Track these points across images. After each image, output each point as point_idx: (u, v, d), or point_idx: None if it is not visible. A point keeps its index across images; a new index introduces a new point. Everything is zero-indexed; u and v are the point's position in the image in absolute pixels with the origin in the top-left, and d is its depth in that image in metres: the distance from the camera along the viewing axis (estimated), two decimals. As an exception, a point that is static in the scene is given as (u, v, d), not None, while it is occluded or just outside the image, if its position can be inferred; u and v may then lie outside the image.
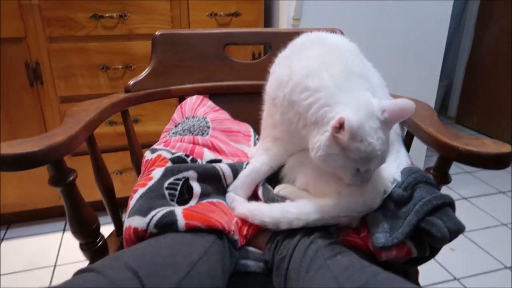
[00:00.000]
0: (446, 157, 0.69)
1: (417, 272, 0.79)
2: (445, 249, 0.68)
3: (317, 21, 1.62)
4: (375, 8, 1.69)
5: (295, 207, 0.70)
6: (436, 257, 0.69)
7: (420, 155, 2.05)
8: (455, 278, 1.53)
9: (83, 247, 0.74)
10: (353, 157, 0.62)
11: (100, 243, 0.75)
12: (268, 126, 0.83)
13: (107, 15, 1.49)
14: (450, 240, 0.64)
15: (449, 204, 0.66)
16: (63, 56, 1.50)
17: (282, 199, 0.75)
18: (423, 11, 1.75)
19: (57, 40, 1.49)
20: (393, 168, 0.74)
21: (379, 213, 0.70)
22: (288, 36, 0.80)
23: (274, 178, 0.81)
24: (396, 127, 0.80)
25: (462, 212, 0.65)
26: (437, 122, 0.74)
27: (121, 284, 0.47)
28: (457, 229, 0.63)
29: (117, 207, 0.86)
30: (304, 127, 0.69)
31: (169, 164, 0.75)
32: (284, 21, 1.66)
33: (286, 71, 0.73)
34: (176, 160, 0.76)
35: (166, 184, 0.71)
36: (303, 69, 0.69)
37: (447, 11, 1.79)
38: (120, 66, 1.57)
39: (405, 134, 0.84)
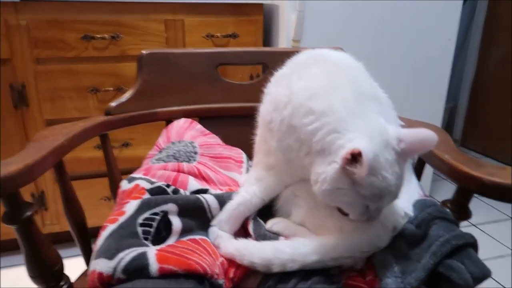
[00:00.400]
0: (467, 188, 0.60)
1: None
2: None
3: (318, 42, 1.56)
4: (378, 30, 1.63)
5: (289, 247, 0.60)
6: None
7: (426, 180, 1.94)
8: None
9: (43, 292, 0.63)
10: (364, 193, 0.54)
11: (65, 287, 0.64)
12: (261, 152, 0.74)
13: (98, 36, 1.43)
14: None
15: (472, 244, 0.57)
16: (51, 78, 1.44)
17: (275, 236, 0.65)
18: (429, 32, 1.70)
19: (45, 61, 1.43)
20: (404, 201, 0.64)
21: (388, 253, 0.60)
22: (286, 55, 0.72)
23: (267, 211, 0.72)
24: None
25: None
26: (454, 148, 0.65)
27: None
28: (482, 275, 0.54)
29: (89, 242, 0.76)
30: (307, 156, 0.60)
31: (146, 195, 0.66)
32: (283, 43, 1.61)
33: (284, 91, 0.65)
34: (155, 191, 0.67)
35: (140, 220, 0.61)
36: (306, 90, 0.61)
37: (453, 33, 1.74)
38: (111, 88, 1.50)
39: (415, 161, 0.75)
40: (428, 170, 1.89)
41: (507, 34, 2.62)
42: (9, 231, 1.60)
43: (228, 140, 0.91)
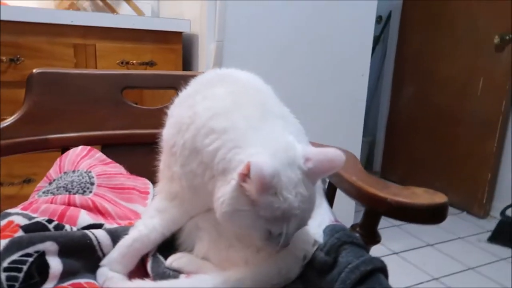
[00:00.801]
0: (374, 211, 0.58)
1: None
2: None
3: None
4: (297, 62, 1.67)
5: (189, 284, 0.53)
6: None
7: (349, 211, 1.97)
8: None
9: None
10: (263, 215, 0.49)
11: None
12: (164, 179, 0.68)
13: (-6, 58, 1.29)
14: (386, 316, 0.51)
15: (381, 269, 0.54)
16: None
17: (176, 273, 0.58)
18: (343, 68, 1.78)
19: None
20: (315, 227, 0.61)
21: (298, 284, 0.55)
22: (197, 79, 0.67)
23: (170, 245, 0.64)
24: None
25: (394, 268, 0.54)
26: (361, 170, 0.64)
27: None
28: (392, 303, 0.51)
29: None
30: (211, 179, 0.55)
31: (20, 233, 0.55)
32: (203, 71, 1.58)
33: (187, 112, 0.60)
34: (32, 228, 0.57)
35: (5, 264, 0.50)
36: (209, 110, 0.57)
37: (365, 69, 1.84)
38: (10, 117, 1.34)
39: (326, 186, 0.73)
40: (351, 202, 1.93)
41: (414, 75, 2.87)
42: None
43: (135, 169, 0.83)
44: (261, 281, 0.54)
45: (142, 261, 0.62)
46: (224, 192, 0.51)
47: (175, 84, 0.90)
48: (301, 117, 0.75)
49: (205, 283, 0.53)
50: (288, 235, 0.52)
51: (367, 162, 3.30)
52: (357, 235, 0.59)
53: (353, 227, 0.63)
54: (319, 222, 0.62)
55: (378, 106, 3.21)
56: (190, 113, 0.59)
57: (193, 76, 0.69)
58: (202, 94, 0.62)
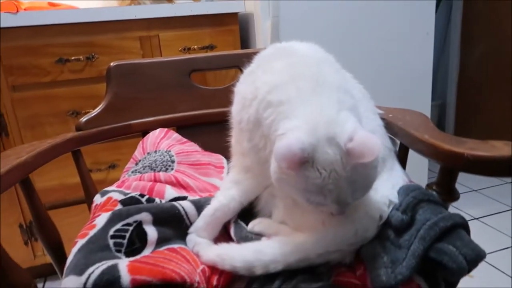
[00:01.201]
0: (450, 168, 0.57)
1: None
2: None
3: (295, 46, 1.55)
4: (356, 29, 1.62)
5: (271, 247, 0.56)
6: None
7: (422, 172, 1.89)
8: (478, 309, 1.36)
9: (17, 319, 0.59)
10: (300, 187, 0.51)
11: (39, 312, 0.60)
12: (236, 153, 0.72)
13: (73, 58, 1.41)
14: (469, 271, 0.51)
15: (462, 225, 0.53)
16: (28, 105, 1.41)
17: (258, 237, 0.62)
18: (406, 28, 1.69)
19: (20, 88, 1.40)
20: (388, 188, 0.62)
21: (376, 244, 0.57)
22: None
23: (249, 213, 0.68)
24: (387, 141, 0.68)
25: (476, 234, 0.52)
26: (434, 128, 0.63)
27: None
28: (476, 257, 0.51)
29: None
30: (271, 152, 0.57)
31: (119, 207, 0.62)
32: (261, 50, 1.59)
33: (250, 88, 0.63)
34: (128, 202, 0.64)
35: (111, 232, 0.58)
36: (267, 84, 0.59)
37: (430, 27, 1.73)
38: (91, 110, 1.47)
39: (398, 149, 0.72)
40: (423, 164, 1.86)
41: (484, 32, 2.64)
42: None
43: (208, 147, 0.88)
44: (339, 241, 0.56)
45: (225, 228, 0.67)
46: (272, 161, 0.53)
47: (238, 63, 0.93)
48: (365, 82, 0.75)
49: (286, 244, 0.56)
50: (335, 207, 0.52)
51: (439, 127, 3.13)
52: (434, 193, 0.59)
53: (429, 186, 0.63)
54: (392, 184, 0.63)
55: (447, 67, 3.00)
56: (252, 88, 0.62)
57: (254, 53, 0.71)
58: (262, 69, 0.64)
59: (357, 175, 0.50)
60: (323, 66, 0.63)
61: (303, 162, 0.48)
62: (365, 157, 0.48)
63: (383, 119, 0.71)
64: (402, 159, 0.71)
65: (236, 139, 0.70)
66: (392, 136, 0.71)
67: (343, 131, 0.50)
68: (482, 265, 0.49)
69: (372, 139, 0.48)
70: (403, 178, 0.65)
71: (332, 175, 0.49)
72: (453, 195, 0.59)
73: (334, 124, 0.51)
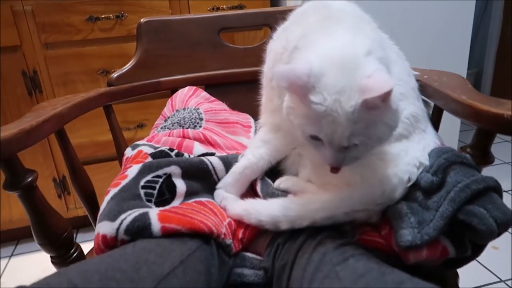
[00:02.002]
0: (487, 129, 0.55)
1: (456, 276, 0.64)
2: (486, 248, 0.55)
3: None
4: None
5: (297, 203, 0.57)
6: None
7: (453, 135, 1.82)
8: (500, 280, 1.34)
9: (54, 260, 0.63)
10: (304, 113, 0.49)
11: (75, 254, 0.64)
12: (267, 112, 0.71)
13: (103, 16, 1.42)
14: (499, 234, 0.50)
15: (494, 188, 0.52)
16: (61, 63, 1.44)
17: (284, 193, 0.62)
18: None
19: (53, 46, 1.43)
20: (418, 150, 0.60)
21: (403, 204, 0.56)
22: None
23: (275, 171, 0.69)
24: (420, 104, 0.66)
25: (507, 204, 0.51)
26: (472, 89, 0.60)
27: (54, 307, 0.36)
28: (506, 220, 0.49)
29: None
30: None
31: (149, 159, 0.64)
32: (292, 11, 1.55)
33: (282, 42, 0.61)
34: (158, 155, 0.65)
35: (142, 183, 0.60)
36: (298, 35, 0.57)
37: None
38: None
39: (431, 111, 0.70)
40: (454, 126, 1.79)
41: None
42: (18, 220, 1.60)
43: (236, 106, 0.88)
44: (366, 200, 0.56)
45: (252, 185, 0.68)
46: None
47: (269, 21, 0.91)
48: (400, 44, 0.72)
49: (313, 201, 0.56)
50: (329, 150, 0.50)
51: (472, 97, 3.01)
52: (467, 155, 0.57)
53: (462, 148, 0.61)
54: (424, 146, 0.61)
55: (487, 33, 2.84)
56: (284, 42, 0.61)
57: (287, 11, 0.69)
58: (296, 24, 0.62)
59: (361, 117, 0.47)
60: (357, 20, 0.61)
61: (309, 87, 0.47)
62: (372, 92, 0.45)
63: (418, 80, 0.69)
64: (435, 122, 0.69)
65: (267, 97, 0.70)
66: (426, 99, 0.69)
67: (364, 68, 0.48)
68: (507, 238, 0.48)
69: (388, 79, 0.46)
70: (434, 141, 0.63)
71: (335, 105, 0.46)
72: (487, 158, 0.58)
73: (357, 61, 0.48)
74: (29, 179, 0.56)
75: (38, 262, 1.55)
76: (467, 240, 0.53)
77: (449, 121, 0.64)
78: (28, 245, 1.67)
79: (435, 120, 0.69)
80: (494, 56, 2.81)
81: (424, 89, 0.67)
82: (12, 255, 1.63)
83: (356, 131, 0.48)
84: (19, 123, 0.56)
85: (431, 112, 0.70)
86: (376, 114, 0.47)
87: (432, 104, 0.69)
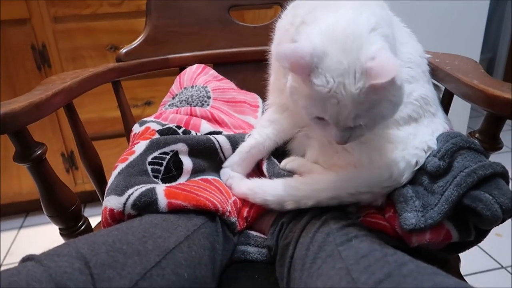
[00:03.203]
0: (497, 114, 0.54)
1: (458, 261, 0.64)
2: (489, 234, 0.55)
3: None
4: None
5: (303, 183, 0.57)
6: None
7: (462, 121, 1.80)
8: (502, 267, 1.35)
9: (63, 232, 0.65)
10: (307, 93, 0.49)
11: (83, 227, 0.65)
12: (274, 92, 0.71)
13: (112, -10, 1.40)
14: (503, 220, 0.50)
15: (501, 174, 0.52)
16: (70, 37, 1.43)
17: (290, 174, 0.63)
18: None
19: (62, 20, 1.42)
20: (427, 134, 0.60)
21: (408, 188, 0.57)
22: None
23: (281, 151, 0.69)
24: (431, 88, 0.65)
25: None
26: (484, 74, 0.59)
27: (63, 276, 0.37)
28: (512, 207, 0.49)
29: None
30: None
31: (156, 136, 0.64)
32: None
33: (290, 19, 0.60)
34: (165, 132, 0.66)
35: (149, 159, 0.60)
36: (307, 9, 0.56)
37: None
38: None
39: (441, 94, 0.69)
40: (464, 110, 1.77)
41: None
42: (28, 193, 1.63)
43: (243, 85, 0.87)
44: (371, 183, 0.56)
45: (258, 165, 0.68)
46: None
47: (280, 0, 0.89)
48: (412, 26, 0.70)
49: (318, 181, 0.57)
50: (334, 130, 0.50)
51: (484, 83, 2.96)
52: (476, 141, 0.57)
53: (470, 133, 0.60)
54: (432, 130, 0.61)
55: (502, 19, 2.77)
56: (291, 18, 0.60)
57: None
58: (305, 1, 0.61)
59: (366, 98, 0.46)
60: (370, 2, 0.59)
61: (311, 68, 0.46)
62: (379, 78, 0.44)
63: (429, 64, 0.68)
64: (445, 106, 0.68)
65: (275, 76, 0.69)
66: (437, 82, 0.68)
67: (368, 48, 0.46)
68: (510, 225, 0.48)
69: (393, 61, 0.45)
70: (444, 125, 0.63)
71: (339, 88, 0.46)
72: (496, 144, 0.57)
73: (360, 39, 0.47)
74: (39, 152, 0.57)
75: (47, 234, 1.59)
76: (471, 225, 0.53)
77: (460, 106, 0.63)
78: (37, 218, 1.71)
79: (445, 105, 0.68)
80: (508, 42, 2.74)
81: (435, 72, 0.66)
82: (21, 226, 1.66)
83: (362, 112, 0.48)
84: (29, 95, 0.57)
85: (441, 96, 0.69)
86: (381, 93, 0.47)
87: (442, 88, 0.68)
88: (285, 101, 0.66)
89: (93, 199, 1.66)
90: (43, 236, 1.58)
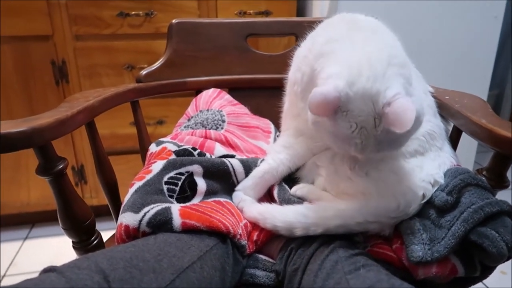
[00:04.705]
0: (504, 154, 0.56)
1: (463, 296, 0.65)
2: (494, 272, 0.56)
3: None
4: (419, 9, 1.55)
5: (312, 210, 0.59)
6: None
7: (469, 156, 1.81)
8: (506, 307, 1.34)
9: (76, 245, 0.66)
10: (331, 131, 0.53)
11: (96, 241, 0.67)
12: (289, 116, 0.73)
13: (133, 13, 1.46)
14: (509, 258, 0.51)
15: (507, 212, 0.53)
16: (89, 55, 1.48)
17: (300, 200, 0.64)
18: (473, 9, 1.59)
19: (83, 38, 1.47)
20: (434, 167, 0.62)
21: (416, 220, 0.58)
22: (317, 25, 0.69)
23: (292, 178, 0.71)
24: (438, 121, 0.67)
25: None
26: (492, 114, 0.61)
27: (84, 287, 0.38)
28: (518, 244, 0.50)
29: (119, 200, 0.78)
30: None
31: (173, 156, 0.67)
32: (317, 21, 1.57)
33: (308, 46, 0.64)
34: (181, 153, 0.68)
35: (165, 178, 0.62)
36: (324, 37, 0.60)
37: (500, 10, 1.62)
38: (145, 65, 1.50)
39: (450, 129, 0.71)
40: (471, 146, 1.78)
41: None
42: (34, 204, 1.65)
43: (257, 111, 0.90)
44: (379, 212, 0.57)
45: (269, 190, 0.70)
46: None
47: (295, 30, 0.94)
48: (421, 61, 0.73)
49: (327, 209, 0.58)
50: (360, 156, 0.55)
51: (491, 118, 2.97)
52: (483, 178, 0.58)
53: (478, 171, 0.62)
54: (439, 163, 0.62)
55: (510, 56, 2.81)
56: (310, 45, 0.63)
57: (315, 22, 0.71)
58: (323, 31, 0.65)
59: (386, 137, 0.51)
60: (385, 36, 0.61)
61: (336, 110, 0.50)
62: (396, 127, 0.48)
63: (438, 100, 0.70)
64: (454, 142, 0.70)
65: (290, 102, 0.72)
66: (445, 117, 0.70)
67: (386, 91, 0.49)
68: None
69: (409, 110, 0.47)
70: (450, 160, 0.65)
71: (362, 131, 0.50)
72: (503, 182, 0.59)
73: (377, 80, 0.50)
74: (60, 166, 0.59)
75: (51, 247, 1.60)
76: (477, 261, 0.54)
77: (467, 141, 0.65)
78: (42, 230, 1.72)
79: (454, 140, 0.70)
80: (516, 79, 2.78)
81: (445, 109, 0.69)
82: (26, 237, 1.67)
83: (383, 146, 0.52)
84: (55, 112, 0.59)
85: (450, 128, 0.71)
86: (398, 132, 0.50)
87: (451, 122, 0.70)
88: (301, 126, 0.68)
89: (100, 213, 1.67)
90: (47, 249, 1.58)
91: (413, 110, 0.47)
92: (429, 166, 0.61)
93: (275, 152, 0.70)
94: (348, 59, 0.53)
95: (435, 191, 0.59)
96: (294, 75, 0.66)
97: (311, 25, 0.70)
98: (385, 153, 0.55)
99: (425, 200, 0.59)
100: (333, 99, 0.48)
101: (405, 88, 0.51)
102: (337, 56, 0.55)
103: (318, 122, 0.54)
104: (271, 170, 0.68)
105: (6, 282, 1.41)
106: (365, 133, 0.50)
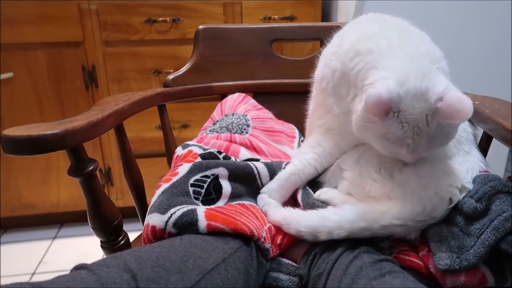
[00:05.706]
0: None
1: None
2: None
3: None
4: (442, 12, 1.51)
5: (336, 214, 0.58)
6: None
7: (500, 163, 1.75)
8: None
9: (104, 245, 0.68)
10: (382, 133, 0.53)
11: (123, 241, 0.68)
12: (315, 117, 0.72)
13: (160, 19, 1.49)
14: (542, 268, 0.49)
15: (540, 221, 0.51)
16: (118, 60, 1.53)
17: (323, 204, 0.64)
18: (486, 11, 1.54)
19: (112, 44, 1.52)
20: (462, 172, 0.60)
21: (443, 227, 0.57)
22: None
23: (315, 184, 0.70)
24: (465, 124, 0.66)
25: None
26: (524, 119, 0.59)
27: (113, 286, 0.40)
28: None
29: (145, 202, 0.80)
30: (354, 99, 0.59)
31: (198, 159, 0.68)
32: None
33: (336, 41, 0.65)
34: (207, 156, 0.69)
35: (191, 181, 0.63)
36: (355, 34, 0.61)
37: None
38: (172, 70, 1.54)
39: (480, 134, 0.70)
40: (502, 152, 1.72)
41: None
42: (63, 204, 1.69)
43: (281, 116, 0.91)
44: (405, 215, 0.56)
45: (292, 194, 0.70)
46: (357, 109, 0.55)
47: (320, 35, 0.94)
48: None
49: (352, 212, 0.57)
50: (409, 157, 0.55)
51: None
52: (515, 185, 0.57)
53: (510, 178, 0.60)
54: (467, 168, 0.61)
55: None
56: (338, 41, 0.64)
57: (339, 27, 0.71)
58: (350, 30, 0.65)
59: (440, 132, 0.52)
60: (417, 31, 0.62)
61: (388, 111, 0.50)
62: (455, 118, 0.50)
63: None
64: (484, 148, 0.68)
65: (316, 104, 0.71)
66: (474, 122, 0.69)
67: (434, 87, 0.51)
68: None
69: (463, 100, 0.49)
70: (479, 164, 0.63)
71: (415, 130, 0.51)
72: (535, 190, 0.57)
73: (425, 78, 0.51)
74: (91, 168, 0.61)
75: (79, 246, 1.64)
76: (508, 271, 0.53)
77: (498, 148, 0.64)
78: (71, 230, 1.77)
79: (484, 146, 0.69)
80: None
81: (475, 114, 0.67)
82: (55, 237, 1.73)
83: (435, 143, 0.53)
84: (87, 115, 0.62)
85: (479, 134, 0.70)
86: (451, 125, 0.53)
87: (480, 128, 0.69)
88: (327, 122, 0.68)
89: (125, 215, 1.71)
90: (75, 248, 1.63)
91: (467, 98, 0.49)
92: (457, 170, 0.60)
93: (302, 153, 0.70)
94: (391, 62, 0.54)
95: (463, 197, 0.58)
96: (321, 72, 0.67)
97: (335, 30, 0.70)
98: (435, 151, 0.56)
99: (452, 205, 0.57)
100: (386, 100, 0.49)
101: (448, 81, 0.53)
102: (376, 58, 0.55)
103: (366, 126, 0.54)
104: (297, 171, 0.68)
105: (35, 279, 1.46)
106: (417, 132, 0.51)
